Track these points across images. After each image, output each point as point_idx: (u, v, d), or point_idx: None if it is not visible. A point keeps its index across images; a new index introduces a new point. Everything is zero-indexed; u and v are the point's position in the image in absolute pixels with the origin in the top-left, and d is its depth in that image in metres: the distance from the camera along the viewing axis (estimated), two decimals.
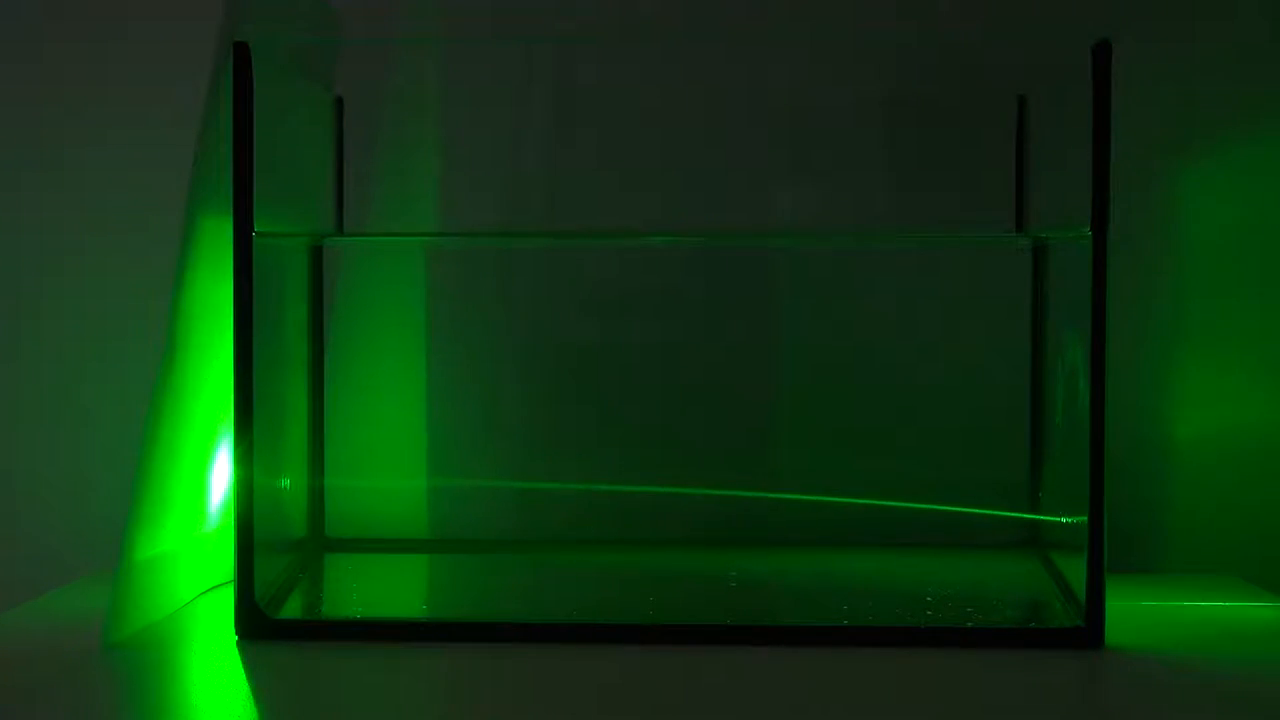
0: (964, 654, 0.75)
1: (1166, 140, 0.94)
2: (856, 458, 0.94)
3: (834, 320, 0.94)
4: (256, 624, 0.77)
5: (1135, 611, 0.82)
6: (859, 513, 0.94)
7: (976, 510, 0.93)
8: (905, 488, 0.94)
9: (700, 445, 0.95)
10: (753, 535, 0.94)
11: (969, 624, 0.79)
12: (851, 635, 0.77)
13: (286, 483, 0.85)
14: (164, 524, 0.81)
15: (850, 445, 0.94)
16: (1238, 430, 0.95)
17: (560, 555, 0.91)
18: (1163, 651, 0.76)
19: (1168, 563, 0.95)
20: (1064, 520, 0.83)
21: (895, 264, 0.94)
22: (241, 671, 0.74)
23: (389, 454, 0.95)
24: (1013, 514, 0.92)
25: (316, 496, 0.92)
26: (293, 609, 0.82)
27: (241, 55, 0.76)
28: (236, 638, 0.77)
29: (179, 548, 0.83)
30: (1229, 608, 0.85)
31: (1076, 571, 0.77)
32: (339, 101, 0.93)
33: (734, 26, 0.95)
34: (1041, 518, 0.90)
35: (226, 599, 0.83)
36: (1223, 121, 0.94)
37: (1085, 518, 0.76)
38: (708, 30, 0.95)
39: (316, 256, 0.91)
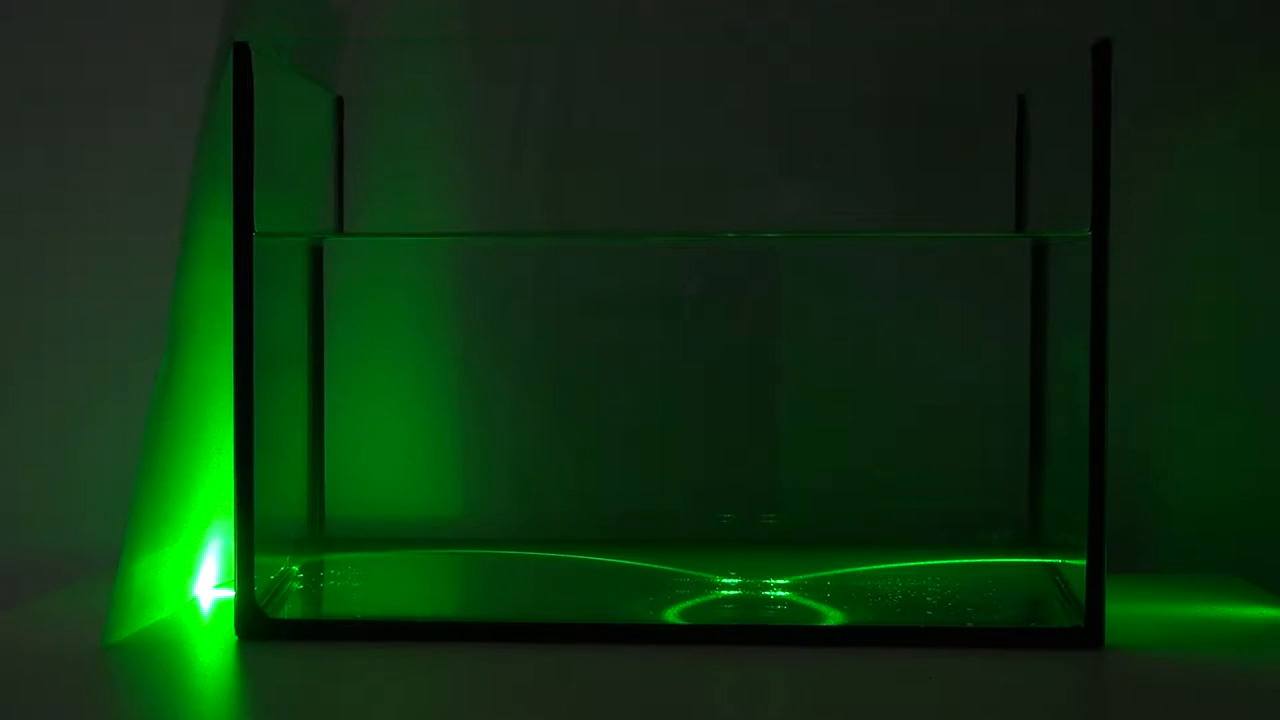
0: (964, 654, 0.75)
1: (1166, 140, 0.94)
2: (856, 457, 0.94)
3: (834, 320, 0.94)
4: (256, 624, 0.77)
5: (1135, 611, 0.82)
6: (859, 512, 0.94)
7: (976, 510, 0.93)
8: (905, 488, 0.94)
9: (700, 445, 0.95)
10: (753, 535, 0.94)
11: (969, 624, 0.79)
12: (852, 635, 0.77)
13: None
14: (164, 524, 0.81)
15: (850, 445, 0.94)
16: (1238, 431, 0.95)
17: (560, 555, 0.91)
18: (1163, 651, 0.76)
19: (1168, 563, 0.95)
20: (1064, 522, 0.83)
21: (895, 264, 0.94)
22: (241, 671, 0.74)
23: (389, 454, 0.95)
24: (1013, 514, 0.92)
25: (316, 496, 0.92)
26: (293, 609, 0.82)
27: (241, 55, 0.76)
28: (236, 638, 0.77)
29: (179, 548, 0.83)
30: (1229, 608, 0.85)
31: (1076, 571, 0.77)
32: (339, 101, 0.93)
33: (734, 27, 0.95)
34: (1041, 518, 0.91)
35: (226, 599, 0.83)
36: (1223, 121, 0.94)
37: (1085, 518, 0.76)
38: (708, 30, 0.95)
39: (316, 256, 0.91)
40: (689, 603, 0.83)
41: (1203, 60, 0.94)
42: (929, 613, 0.81)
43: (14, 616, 0.83)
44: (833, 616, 0.80)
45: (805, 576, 0.87)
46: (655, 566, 0.89)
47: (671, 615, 0.80)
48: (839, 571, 0.87)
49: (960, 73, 0.93)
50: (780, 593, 0.85)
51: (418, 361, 0.95)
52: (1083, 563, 0.76)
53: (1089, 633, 0.76)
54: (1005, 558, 0.90)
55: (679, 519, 0.95)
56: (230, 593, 0.80)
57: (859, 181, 0.94)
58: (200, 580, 0.86)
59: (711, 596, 0.84)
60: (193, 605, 0.84)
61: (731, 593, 0.85)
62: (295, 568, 0.87)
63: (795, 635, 0.77)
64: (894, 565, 0.88)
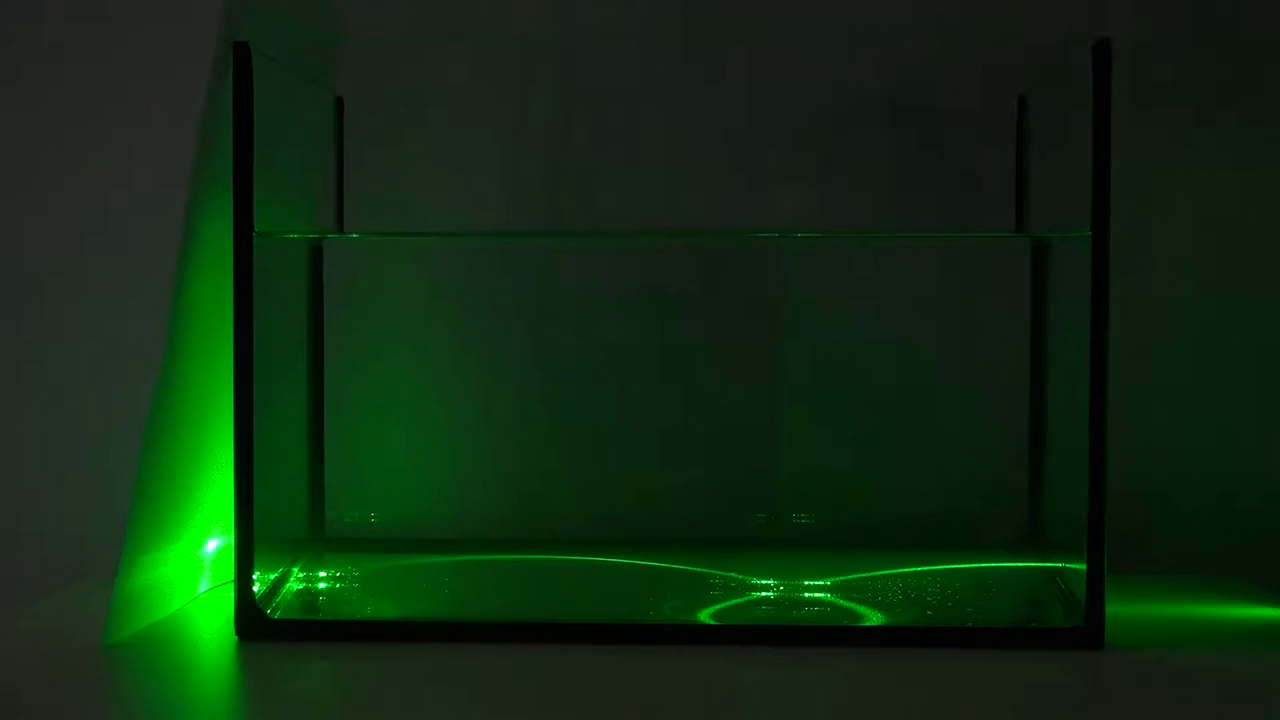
0: (964, 654, 0.75)
1: (1167, 140, 0.94)
2: (856, 457, 0.94)
3: (834, 320, 0.94)
4: (256, 624, 0.77)
5: (1135, 611, 0.82)
6: (858, 512, 0.94)
7: (976, 510, 0.93)
8: (905, 487, 0.94)
9: (699, 446, 0.95)
10: (752, 535, 0.94)
11: (969, 624, 0.79)
12: (852, 635, 0.77)
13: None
14: (165, 524, 0.81)
15: (850, 445, 0.94)
16: (1238, 431, 0.95)
17: (560, 555, 0.91)
18: (1163, 651, 0.76)
19: (1168, 563, 0.95)
20: (1064, 522, 0.83)
21: (895, 264, 0.94)
22: (241, 671, 0.74)
23: (389, 454, 0.95)
24: (1013, 515, 0.92)
25: (316, 496, 0.92)
26: (292, 609, 0.82)
27: (241, 55, 0.76)
28: (236, 638, 0.77)
29: (179, 548, 0.83)
30: (1229, 608, 0.85)
31: (1076, 572, 0.77)
32: (339, 101, 0.93)
33: (734, 27, 0.95)
34: (1041, 518, 0.90)
35: (226, 599, 0.83)
36: (1223, 120, 0.94)
37: (1085, 518, 0.76)
38: (708, 30, 0.95)
39: (316, 256, 0.91)
40: (688, 603, 0.83)
41: (1203, 60, 0.94)
42: (929, 613, 0.81)
43: (14, 616, 0.83)
44: (832, 617, 0.80)
45: (804, 578, 0.87)
46: (654, 565, 0.89)
47: (668, 615, 0.80)
48: (839, 573, 0.87)
49: (960, 73, 0.93)
50: (778, 593, 0.85)
51: (418, 361, 0.95)
52: (1083, 563, 0.76)
53: (1089, 633, 0.76)
54: (1005, 558, 0.90)
55: (678, 520, 0.95)
56: (230, 593, 0.80)
57: (859, 181, 0.94)
58: (201, 580, 0.86)
59: (709, 597, 0.84)
60: (193, 605, 0.84)
61: (729, 594, 0.85)
62: (295, 568, 0.87)
63: (794, 635, 0.77)
64: (893, 565, 0.88)
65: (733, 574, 0.87)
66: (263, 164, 0.76)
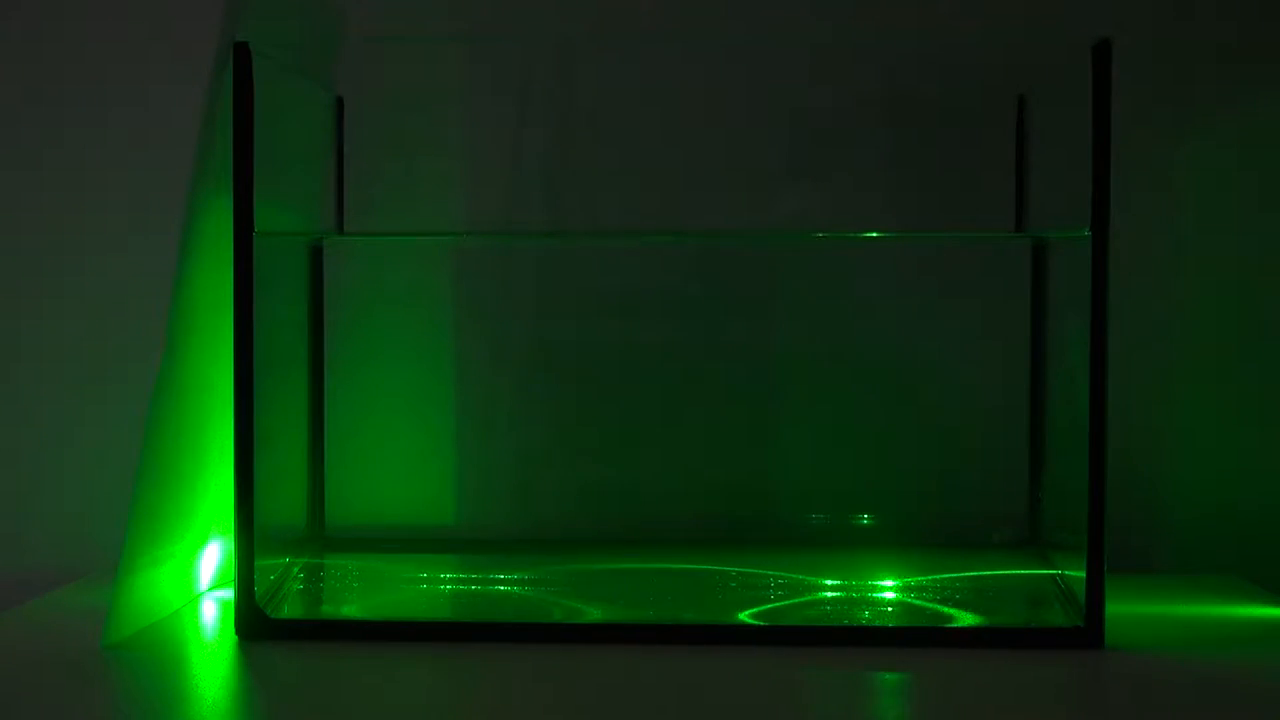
0: (964, 654, 0.75)
1: (1166, 140, 0.94)
2: (856, 457, 0.94)
3: (834, 320, 0.94)
4: (256, 624, 0.77)
5: (1135, 611, 0.82)
6: (859, 513, 0.94)
7: (977, 511, 0.93)
8: (905, 487, 0.94)
9: (700, 445, 0.95)
10: (753, 535, 0.94)
11: (969, 624, 0.79)
12: (852, 635, 0.77)
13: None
14: (165, 524, 0.81)
15: (850, 445, 0.94)
16: (1238, 430, 0.95)
17: (560, 555, 0.91)
18: (1163, 651, 0.76)
19: (1168, 563, 0.95)
20: (1063, 521, 0.83)
21: (895, 264, 0.94)
22: (241, 671, 0.74)
23: (389, 454, 0.95)
24: (1013, 515, 0.92)
25: (317, 496, 0.92)
26: (293, 609, 0.82)
27: (241, 55, 0.76)
28: (236, 638, 0.77)
29: (179, 548, 0.83)
30: (1229, 608, 0.85)
31: (1076, 571, 0.77)
32: (339, 101, 0.93)
33: (734, 26, 0.95)
34: (1041, 518, 0.91)
35: (226, 599, 0.83)
36: (1223, 120, 0.94)
37: (1085, 518, 0.76)
38: (708, 30, 0.95)
39: (316, 256, 0.91)
40: (688, 602, 0.83)
41: (1203, 60, 0.94)
42: (929, 613, 0.81)
43: (14, 616, 0.83)
44: (831, 617, 0.80)
45: (803, 577, 0.87)
46: (654, 566, 0.89)
47: (664, 615, 0.80)
48: (838, 571, 0.87)
49: (960, 73, 0.93)
50: (777, 595, 0.85)
51: (418, 361, 0.95)
52: (1083, 564, 0.76)
53: (1089, 633, 0.76)
54: (1006, 560, 0.90)
55: (678, 520, 0.95)
56: (230, 593, 0.80)
57: (859, 181, 0.94)
58: (201, 580, 0.86)
59: (711, 596, 0.84)
60: (193, 605, 0.84)
61: (730, 592, 0.85)
62: (295, 568, 0.87)
63: (793, 636, 0.77)
64: (893, 565, 0.88)
65: (730, 569, 0.87)
66: (263, 164, 0.76)
